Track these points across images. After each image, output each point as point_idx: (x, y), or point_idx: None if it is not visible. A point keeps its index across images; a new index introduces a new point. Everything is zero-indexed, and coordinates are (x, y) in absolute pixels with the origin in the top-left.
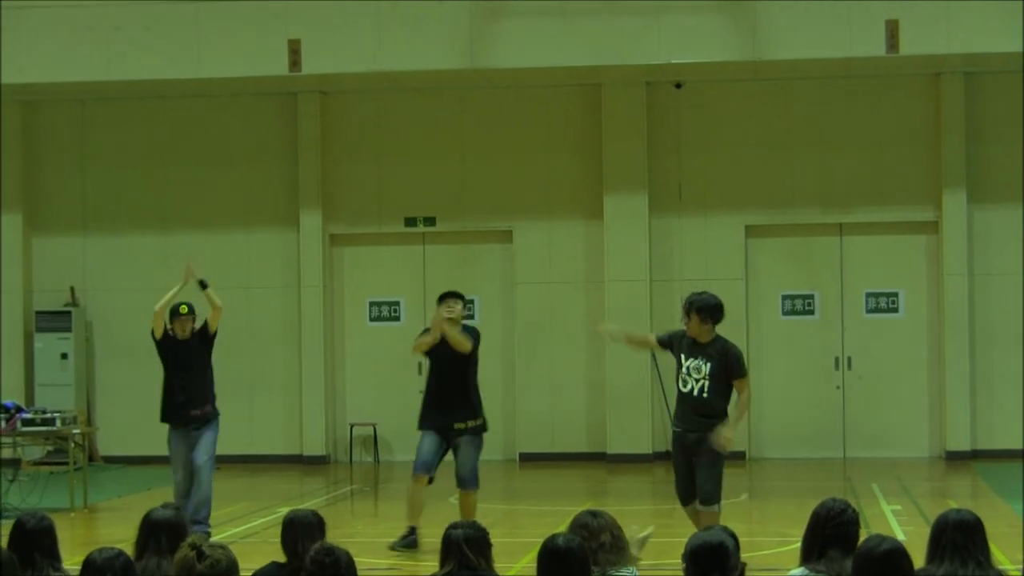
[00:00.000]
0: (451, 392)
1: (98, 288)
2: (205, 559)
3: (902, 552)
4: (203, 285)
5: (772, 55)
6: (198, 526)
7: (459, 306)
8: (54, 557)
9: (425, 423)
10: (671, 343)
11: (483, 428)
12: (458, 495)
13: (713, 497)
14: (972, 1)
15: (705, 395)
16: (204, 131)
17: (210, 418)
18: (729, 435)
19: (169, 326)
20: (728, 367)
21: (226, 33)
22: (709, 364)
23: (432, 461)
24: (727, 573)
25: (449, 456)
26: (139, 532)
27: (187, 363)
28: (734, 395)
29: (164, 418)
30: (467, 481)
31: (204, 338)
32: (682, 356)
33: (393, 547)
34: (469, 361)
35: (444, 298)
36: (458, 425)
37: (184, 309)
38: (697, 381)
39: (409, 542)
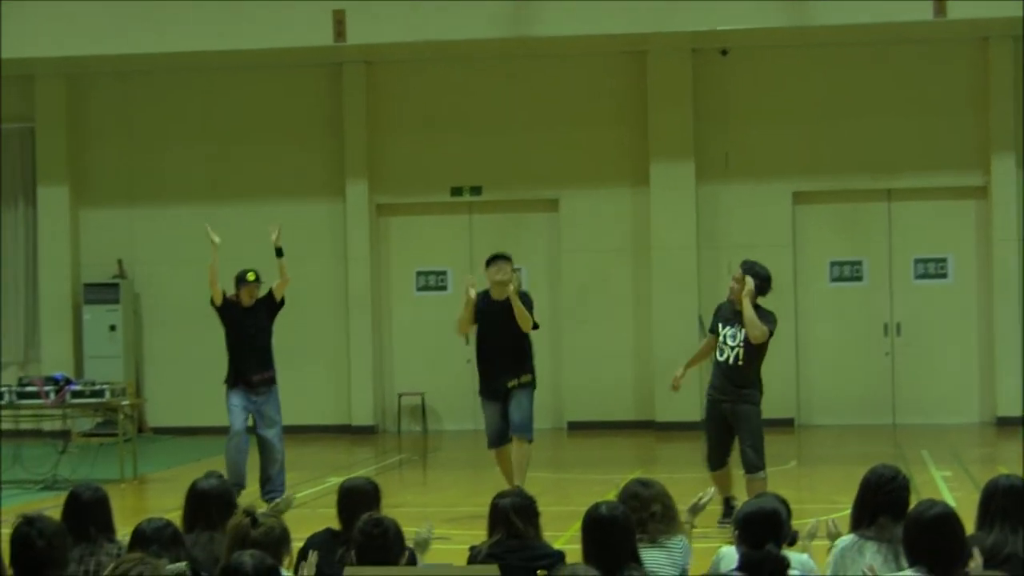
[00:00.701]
0: (504, 354)
1: (145, 260)
2: (259, 526)
3: (952, 516)
4: (279, 253)
5: (819, 21)
6: (272, 494)
7: (508, 267)
8: (108, 529)
9: (482, 390)
10: (716, 323)
11: (533, 384)
12: (512, 443)
13: (757, 465)
14: None
15: (740, 363)
16: (249, 103)
17: (271, 383)
18: (741, 289)
19: (234, 293)
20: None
21: (271, 4)
22: (744, 331)
23: (501, 430)
24: (780, 540)
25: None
26: (187, 503)
27: (250, 330)
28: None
29: (228, 380)
30: (520, 427)
31: (270, 306)
32: (719, 325)
33: None
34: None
35: (493, 261)
36: (511, 383)
37: (251, 276)
38: (732, 349)
39: None
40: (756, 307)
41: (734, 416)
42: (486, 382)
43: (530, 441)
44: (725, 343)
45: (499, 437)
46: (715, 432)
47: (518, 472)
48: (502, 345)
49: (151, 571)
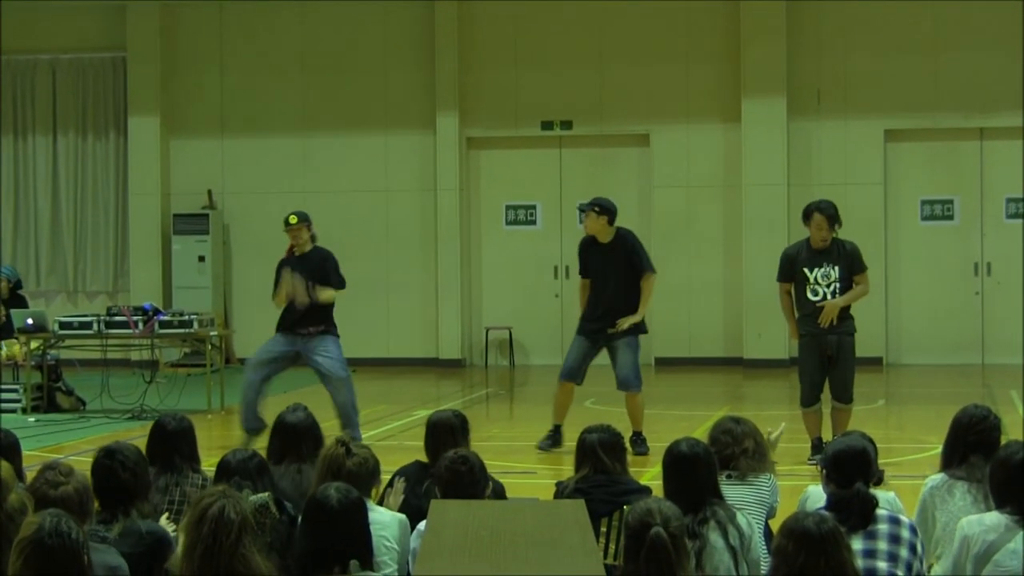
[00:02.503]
0: (608, 298)
1: (235, 191)
2: (353, 456)
3: None
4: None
5: None
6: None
7: (592, 217)
8: (193, 459)
9: (580, 326)
10: (791, 268)
11: (641, 329)
12: (624, 398)
13: (852, 395)
14: None
15: (838, 298)
16: (342, 34)
17: (320, 335)
18: (831, 310)
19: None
20: (851, 265)
21: None
22: (837, 268)
23: (577, 368)
24: (868, 479)
25: (603, 360)
26: (272, 436)
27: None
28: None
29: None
30: (629, 383)
31: (322, 275)
32: (806, 269)
33: (540, 447)
34: (633, 268)
35: (583, 209)
36: (611, 329)
37: (293, 219)
38: (828, 287)
39: (555, 440)
40: (835, 240)
41: (839, 348)
42: (584, 319)
43: (639, 391)
44: (817, 284)
45: (571, 374)
46: (815, 369)
47: (635, 421)
48: (606, 288)
49: (233, 505)
